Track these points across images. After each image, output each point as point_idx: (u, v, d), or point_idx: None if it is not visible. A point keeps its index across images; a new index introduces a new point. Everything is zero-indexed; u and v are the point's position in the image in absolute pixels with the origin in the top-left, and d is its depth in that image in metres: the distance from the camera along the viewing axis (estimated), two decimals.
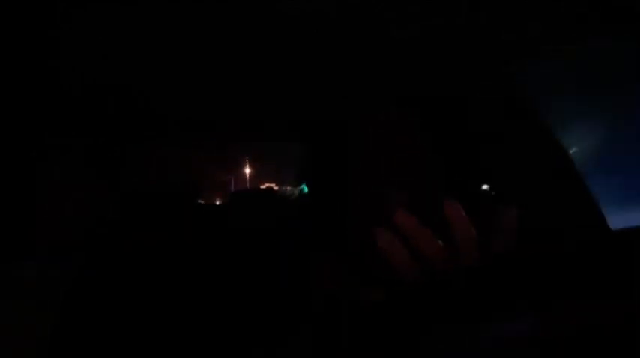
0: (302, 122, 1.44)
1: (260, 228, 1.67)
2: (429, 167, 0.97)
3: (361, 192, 1.00)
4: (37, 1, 0.83)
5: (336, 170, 1.08)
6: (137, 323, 1.14)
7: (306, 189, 1.38)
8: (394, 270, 0.83)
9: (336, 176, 1.09)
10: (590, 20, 0.98)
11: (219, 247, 1.47)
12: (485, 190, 0.94)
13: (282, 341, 1.01)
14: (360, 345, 0.82)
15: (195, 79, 1.25)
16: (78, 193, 1.29)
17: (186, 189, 1.70)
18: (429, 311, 0.73)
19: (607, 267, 0.70)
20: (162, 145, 1.79)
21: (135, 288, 1.20)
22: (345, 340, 0.84)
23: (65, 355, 1.04)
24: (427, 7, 0.91)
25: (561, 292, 0.67)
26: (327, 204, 1.16)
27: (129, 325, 1.12)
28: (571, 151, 1.17)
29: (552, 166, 1.14)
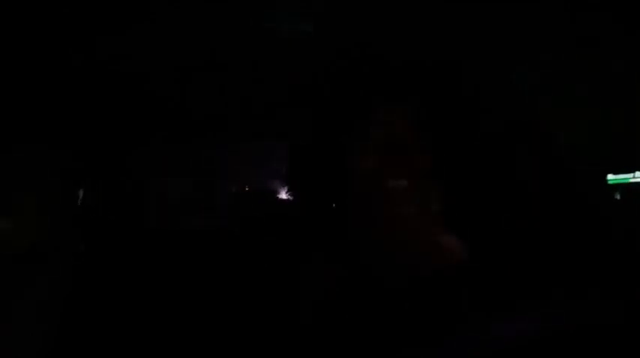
0: (300, 121, 1.44)
1: (258, 229, 1.67)
2: (427, 163, 0.97)
3: (359, 189, 1.01)
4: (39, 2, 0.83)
5: (334, 168, 1.09)
6: (137, 322, 1.14)
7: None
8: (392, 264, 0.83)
9: (334, 174, 1.09)
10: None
11: (217, 246, 1.47)
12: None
13: (279, 340, 1.01)
14: (358, 346, 0.82)
15: (194, 82, 1.26)
16: (78, 193, 1.29)
17: (186, 189, 1.70)
18: (427, 310, 0.73)
19: (607, 266, 0.70)
20: (163, 145, 1.79)
21: (135, 287, 1.21)
22: (340, 341, 0.84)
23: (67, 354, 1.04)
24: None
25: (561, 291, 0.67)
26: (322, 204, 1.16)
27: (129, 324, 1.13)
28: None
29: (551, 164, 1.14)
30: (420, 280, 0.78)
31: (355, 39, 1.09)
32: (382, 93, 1.11)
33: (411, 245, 0.81)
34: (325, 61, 1.18)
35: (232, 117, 1.59)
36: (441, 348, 0.65)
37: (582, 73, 1.15)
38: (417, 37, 1.08)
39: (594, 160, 1.18)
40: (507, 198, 1.09)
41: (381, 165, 1.00)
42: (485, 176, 1.03)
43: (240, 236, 1.57)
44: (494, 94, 1.18)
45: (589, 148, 1.19)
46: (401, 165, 1.00)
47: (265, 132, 1.79)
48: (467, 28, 1.04)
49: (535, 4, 0.96)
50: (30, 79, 1.17)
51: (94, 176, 1.49)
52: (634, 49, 1.08)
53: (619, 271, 0.69)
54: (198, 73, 1.23)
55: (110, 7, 0.90)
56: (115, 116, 1.46)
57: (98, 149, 1.54)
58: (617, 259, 0.72)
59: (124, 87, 1.28)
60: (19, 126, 1.25)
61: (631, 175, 1.88)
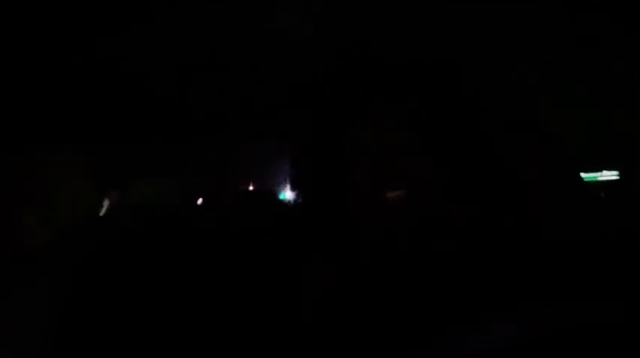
0: (300, 121, 1.45)
1: (259, 229, 1.66)
2: (423, 163, 0.97)
3: (358, 189, 1.01)
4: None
5: (333, 169, 1.09)
6: (136, 322, 1.14)
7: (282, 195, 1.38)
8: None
9: (333, 174, 1.09)
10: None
11: (218, 247, 1.47)
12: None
13: (279, 340, 1.01)
14: (358, 346, 0.82)
15: (196, 81, 1.26)
16: (77, 193, 1.29)
17: (187, 189, 1.70)
18: (427, 310, 0.73)
19: (605, 266, 0.70)
20: (164, 143, 1.79)
21: (135, 287, 1.21)
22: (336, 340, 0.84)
23: (67, 354, 1.04)
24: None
25: (560, 291, 0.67)
26: (321, 204, 1.16)
27: (129, 323, 1.12)
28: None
29: (550, 164, 1.14)
30: (419, 280, 0.78)
31: (355, 39, 1.09)
32: (382, 93, 1.11)
33: (411, 244, 0.81)
34: (325, 61, 1.18)
35: (232, 117, 1.59)
36: (441, 348, 0.65)
37: (582, 73, 1.15)
38: (417, 37, 1.08)
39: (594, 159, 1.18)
40: (507, 197, 1.09)
41: (380, 166, 1.00)
42: (485, 176, 1.03)
43: (240, 236, 1.57)
44: (494, 94, 1.18)
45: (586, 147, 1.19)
46: (400, 165, 1.00)
47: (265, 132, 1.79)
48: (467, 28, 1.04)
49: (535, 4, 0.96)
50: (29, 79, 1.18)
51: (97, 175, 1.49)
52: (634, 49, 1.08)
53: (619, 271, 0.69)
54: (198, 73, 1.23)
55: (110, 7, 0.90)
56: (114, 116, 1.46)
57: (98, 149, 1.54)
58: (616, 259, 0.72)
59: (124, 87, 1.28)
60: (18, 126, 1.25)
61: (599, 174, 1.90)
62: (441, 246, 0.81)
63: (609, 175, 1.88)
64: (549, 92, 1.17)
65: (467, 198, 0.87)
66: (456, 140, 1.08)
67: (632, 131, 1.28)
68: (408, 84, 1.15)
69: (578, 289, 0.66)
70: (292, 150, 1.55)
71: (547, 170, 1.14)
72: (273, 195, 1.98)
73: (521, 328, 0.63)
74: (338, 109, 1.18)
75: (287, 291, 1.08)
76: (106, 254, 1.27)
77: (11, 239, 1.12)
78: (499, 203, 1.03)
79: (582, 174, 1.59)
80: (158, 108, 1.48)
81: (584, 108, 1.18)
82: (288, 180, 1.63)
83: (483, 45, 1.10)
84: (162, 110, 1.50)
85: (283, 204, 1.87)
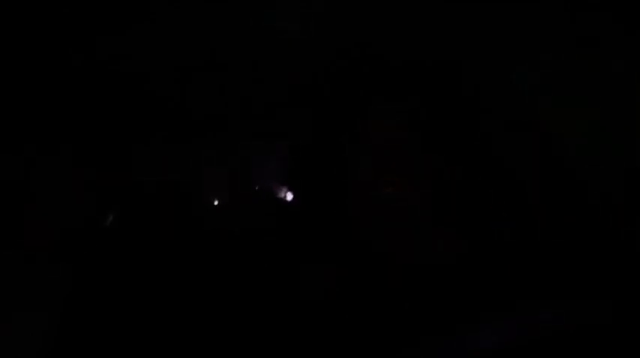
0: (300, 121, 1.45)
1: (258, 229, 1.67)
2: (423, 162, 0.97)
3: (358, 189, 1.01)
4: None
5: (333, 169, 1.09)
6: (138, 323, 1.14)
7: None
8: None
9: (333, 174, 1.09)
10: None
11: (218, 247, 1.47)
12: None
13: (279, 340, 1.01)
14: (358, 346, 0.82)
15: (196, 78, 1.26)
16: (77, 193, 1.29)
17: (186, 189, 1.70)
18: (428, 310, 0.73)
19: (601, 266, 0.70)
20: (164, 143, 1.79)
21: (135, 288, 1.21)
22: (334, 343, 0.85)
23: (67, 355, 1.04)
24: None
25: (557, 291, 0.67)
26: (321, 204, 1.16)
27: (130, 324, 1.13)
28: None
29: (549, 164, 1.14)
30: (419, 280, 0.78)
31: (355, 39, 1.09)
32: (382, 93, 1.11)
33: (411, 244, 0.81)
34: (325, 61, 1.18)
35: (232, 117, 1.59)
36: (441, 348, 0.65)
37: (582, 73, 1.15)
38: (417, 37, 1.08)
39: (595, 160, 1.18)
40: (507, 198, 1.09)
41: (380, 166, 1.00)
42: (485, 176, 1.03)
43: (240, 236, 1.57)
44: (494, 94, 1.18)
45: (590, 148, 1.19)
46: (400, 165, 1.00)
47: (265, 132, 1.79)
48: (467, 28, 1.04)
49: (535, 4, 0.96)
50: (29, 79, 1.18)
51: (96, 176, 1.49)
52: (634, 49, 1.08)
53: (610, 271, 0.69)
54: (198, 73, 1.23)
55: (110, 7, 0.91)
56: (114, 116, 1.46)
57: (98, 148, 1.54)
58: (611, 259, 0.72)
59: (124, 87, 1.28)
60: (18, 126, 1.25)
61: None
62: (440, 246, 0.81)
63: None
64: (549, 92, 1.17)
65: (467, 198, 0.87)
66: (456, 140, 1.08)
67: (632, 131, 1.28)
68: (408, 84, 1.15)
69: (572, 289, 0.66)
70: (292, 150, 1.55)
71: (547, 170, 1.14)
72: (273, 195, 1.98)
73: (521, 328, 0.63)
74: (338, 109, 1.18)
75: (287, 291, 1.08)
76: (104, 255, 1.27)
77: (11, 239, 1.12)
78: (499, 203, 1.04)
79: None
80: (158, 108, 1.48)
81: (584, 108, 1.18)
82: (287, 180, 1.63)
83: (483, 45, 1.10)
84: (163, 110, 1.50)
85: (283, 204, 1.87)
